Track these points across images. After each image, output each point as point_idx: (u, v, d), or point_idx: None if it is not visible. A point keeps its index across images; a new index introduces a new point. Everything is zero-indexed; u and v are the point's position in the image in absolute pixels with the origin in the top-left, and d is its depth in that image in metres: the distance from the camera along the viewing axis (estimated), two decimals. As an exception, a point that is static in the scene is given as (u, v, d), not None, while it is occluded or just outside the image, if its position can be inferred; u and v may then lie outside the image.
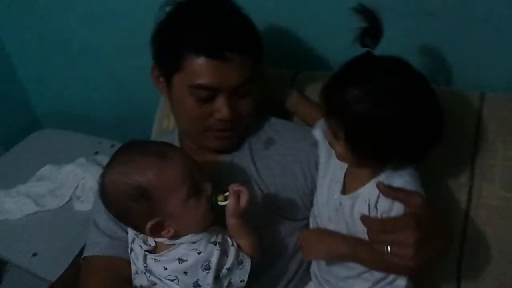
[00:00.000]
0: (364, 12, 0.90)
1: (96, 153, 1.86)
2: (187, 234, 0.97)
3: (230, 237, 1.00)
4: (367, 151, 0.93)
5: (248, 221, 1.01)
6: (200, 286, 0.96)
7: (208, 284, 0.95)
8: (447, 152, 1.15)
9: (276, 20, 1.40)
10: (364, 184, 0.97)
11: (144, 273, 1.00)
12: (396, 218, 0.92)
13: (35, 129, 2.13)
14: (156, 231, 0.95)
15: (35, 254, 1.51)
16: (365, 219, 0.93)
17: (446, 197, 1.16)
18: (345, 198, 1.00)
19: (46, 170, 1.78)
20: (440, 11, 1.22)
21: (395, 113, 0.87)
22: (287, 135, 1.20)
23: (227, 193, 0.98)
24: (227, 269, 0.97)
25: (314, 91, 1.25)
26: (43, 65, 2.14)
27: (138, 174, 0.93)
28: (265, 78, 1.33)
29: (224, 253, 0.97)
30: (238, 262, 0.98)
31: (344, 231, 1.01)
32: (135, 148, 0.98)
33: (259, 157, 1.16)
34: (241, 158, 1.16)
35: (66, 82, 2.12)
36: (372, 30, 0.91)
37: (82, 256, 1.14)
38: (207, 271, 0.95)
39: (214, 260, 0.95)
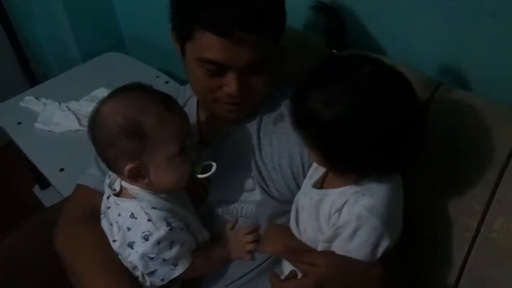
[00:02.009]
0: (324, 10, 0.80)
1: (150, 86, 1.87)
2: (159, 189, 0.96)
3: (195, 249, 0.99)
4: (338, 161, 0.86)
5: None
6: (132, 249, 0.94)
7: (136, 253, 0.93)
8: (469, 169, 1.02)
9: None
10: (338, 187, 0.90)
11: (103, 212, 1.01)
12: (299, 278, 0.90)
13: (116, 50, 2.20)
14: (133, 175, 0.93)
15: (62, 170, 1.59)
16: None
17: (453, 218, 1.04)
18: (315, 192, 0.94)
19: (99, 92, 1.84)
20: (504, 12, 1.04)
21: (361, 119, 0.78)
22: None
23: (205, 163, 0.99)
24: (163, 259, 0.94)
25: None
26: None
27: (140, 112, 0.90)
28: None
29: (169, 242, 0.93)
30: (173, 263, 0.95)
31: (309, 224, 0.96)
32: (140, 90, 0.95)
33: (265, 132, 1.11)
34: (249, 129, 1.12)
35: (153, 11, 2.10)
36: (335, 29, 0.81)
37: (76, 183, 1.17)
38: (144, 241, 0.92)
39: (154, 237, 0.92)
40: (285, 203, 1.07)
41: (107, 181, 1.02)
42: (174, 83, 1.91)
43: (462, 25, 1.11)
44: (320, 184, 0.98)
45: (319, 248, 0.93)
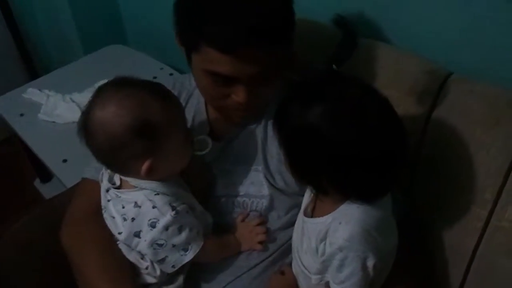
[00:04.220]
0: (342, 25, 0.83)
1: (154, 77, 1.86)
2: (165, 175, 0.95)
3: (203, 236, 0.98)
4: (300, 172, 0.88)
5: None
6: (139, 238, 0.93)
7: (145, 241, 0.92)
8: (481, 158, 1.01)
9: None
10: (323, 215, 0.89)
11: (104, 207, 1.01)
12: None
13: (118, 43, 2.19)
14: (150, 172, 0.91)
15: (65, 161, 1.59)
16: None
17: (463, 209, 1.03)
18: (305, 220, 0.95)
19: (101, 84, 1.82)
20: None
21: (326, 133, 0.78)
22: None
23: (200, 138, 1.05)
24: (172, 244, 0.93)
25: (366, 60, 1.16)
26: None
27: (144, 109, 0.88)
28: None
29: (178, 227, 0.92)
30: (183, 248, 0.94)
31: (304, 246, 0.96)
32: (130, 85, 0.92)
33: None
34: (256, 125, 1.11)
35: (157, 4, 2.07)
36: (347, 45, 0.85)
37: (81, 176, 1.16)
38: (151, 228, 0.91)
39: (161, 223, 0.91)
40: (295, 196, 1.06)
41: (105, 175, 1.00)
42: (178, 75, 1.90)
43: (475, 10, 1.07)
44: (311, 212, 0.98)
45: (313, 281, 0.92)
